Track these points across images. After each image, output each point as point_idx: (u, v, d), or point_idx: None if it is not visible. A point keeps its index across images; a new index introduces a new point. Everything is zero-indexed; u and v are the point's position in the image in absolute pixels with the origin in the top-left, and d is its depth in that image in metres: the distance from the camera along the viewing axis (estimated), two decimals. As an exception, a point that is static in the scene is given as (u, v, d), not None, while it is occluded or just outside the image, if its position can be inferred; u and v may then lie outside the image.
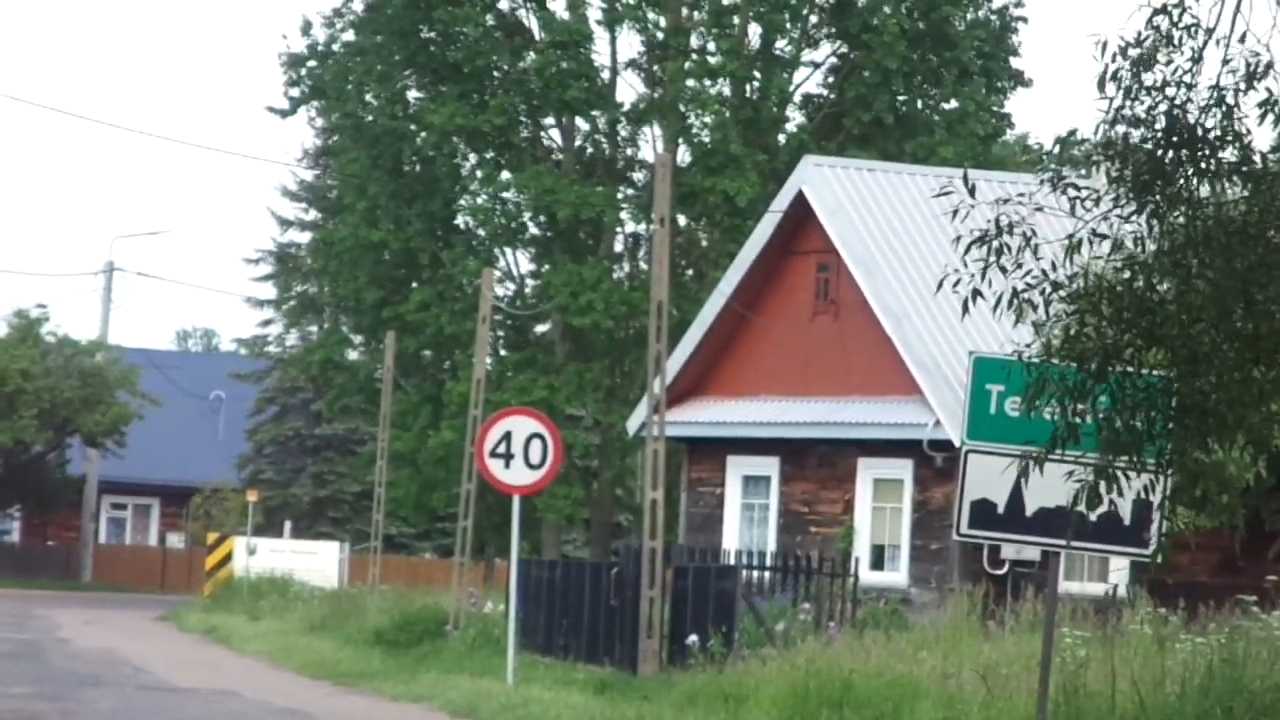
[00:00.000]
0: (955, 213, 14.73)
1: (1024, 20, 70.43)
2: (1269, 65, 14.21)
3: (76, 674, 44.02)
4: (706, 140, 66.47)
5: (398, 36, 68.81)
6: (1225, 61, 14.45)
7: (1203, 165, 14.76)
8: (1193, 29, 14.46)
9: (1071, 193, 14.65)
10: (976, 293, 14.60)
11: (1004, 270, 14.65)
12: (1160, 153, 14.78)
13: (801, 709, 29.33)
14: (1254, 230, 14.60)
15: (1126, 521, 21.20)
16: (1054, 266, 14.79)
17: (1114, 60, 14.43)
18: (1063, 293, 14.87)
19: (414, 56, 69.05)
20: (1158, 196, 14.84)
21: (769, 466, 50.01)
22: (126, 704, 37.34)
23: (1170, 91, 14.71)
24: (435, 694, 38.22)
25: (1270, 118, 14.45)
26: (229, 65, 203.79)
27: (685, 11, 68.81)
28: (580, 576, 47.02)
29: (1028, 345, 15.67)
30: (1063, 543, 23.25)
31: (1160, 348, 15.18)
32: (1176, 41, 14.50)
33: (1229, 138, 14.70)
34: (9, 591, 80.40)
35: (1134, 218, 14.57)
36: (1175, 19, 14.46)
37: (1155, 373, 15.33)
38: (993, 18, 69.69)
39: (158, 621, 66.06)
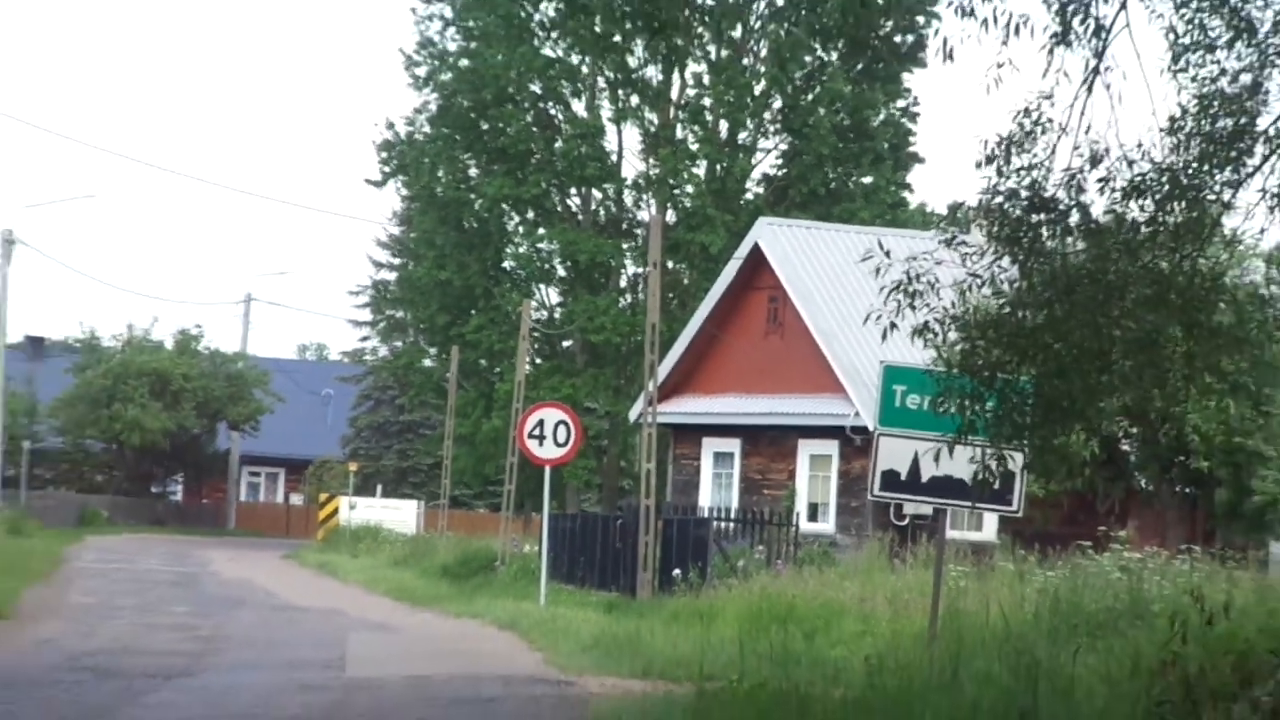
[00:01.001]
0: (878, 270, 14.85)
1: (919, 115, 70.21)
2: (1106, 151, 14.15)
3: (224, 597, 43.77)
4: (688, 205, 66.28)
5: (461, 129, 68.87)
6: (1075, 148, 14.40)
7: (1056, 227, 14.75)
8: (1048, 125, 14.40)
9: (962, 249, 14.67)
10: (893, 324, 14.64)
11: (913, 308, 14.67)
12: (1024, 217, 14.74)
13: (756, 624, 29.17)
14: (1094, 274, 14.55)
15: (997, 486, 21.05)
16: (951, 304, 14.82)
17: (990, 148, 14.43)
18: (957, 324, 14.88)
19: (473, 143, 69.04)
20: (1023, 251, 14.81)
21: (733, 445, 49.95)
22: (262, 619, 37.15)
23: (1032, 171, 14.66)
24: (486, 612, 38.07)
25: (1106, 191, 14.45)
26: (339, 148, 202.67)
27: (672, 111, 68.60)
28: (594, 526, 47.16)
29: (934, 362, 15.83)
30: (949, 501, 23.56)
31: (1029, 363, 15.13)
32: (1036, 135, 14.47)
33: (1075, 206, 14.65)
34: (174, 537, 79.98)
35: (1007, 267, 14.60)
36: (1035, 118, 14.40)
37: (1024, 382, 15.36)
38: (897, 114, 69.50)
39: (283, 559, 65.72)
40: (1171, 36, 14.57)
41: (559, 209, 71.00)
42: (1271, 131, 14.10)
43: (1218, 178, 14.21)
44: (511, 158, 68.20)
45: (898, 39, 67.61)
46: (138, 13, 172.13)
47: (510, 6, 68.18)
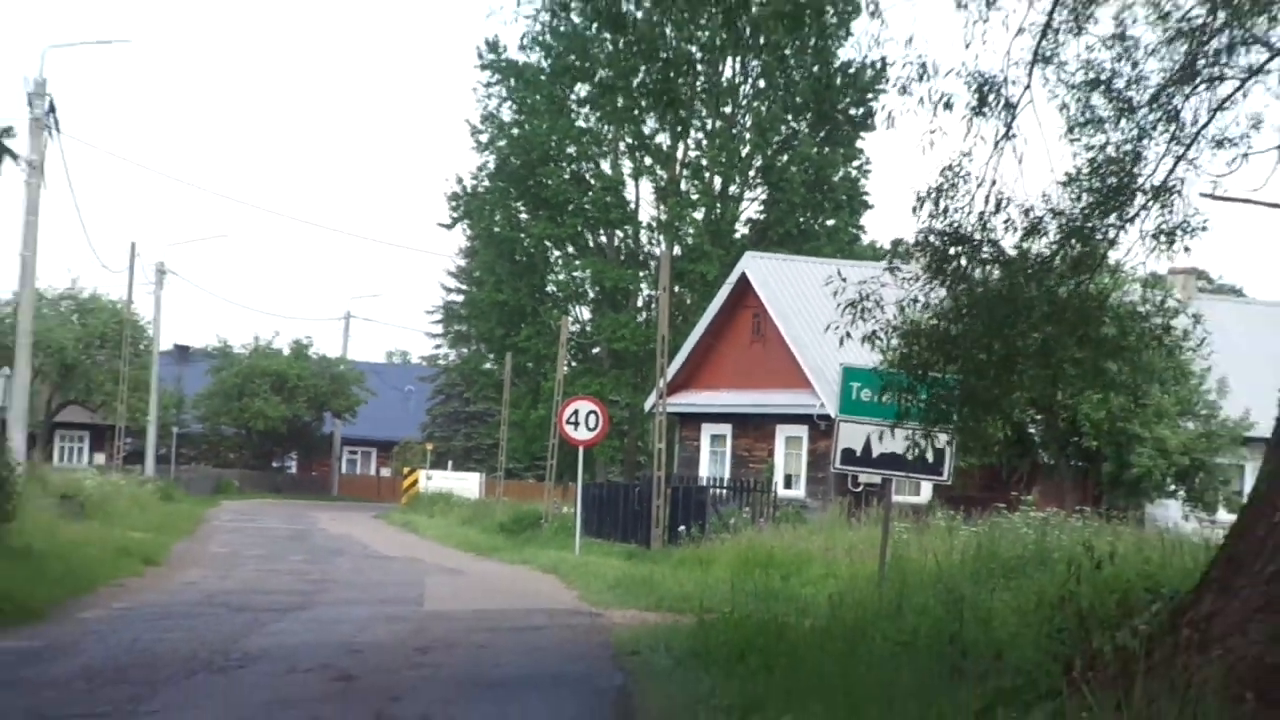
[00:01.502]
0: (836, 292, 14.92)
1: (869, 171, 70.13)
2: (1009, 199, 14.19)
3: (328, 548, 43.85)
4: (690, 242, 66.30)
5: (513, 182, 69.06)
6: (987, 198, 14.44)
7: (974, 258, 14.77)
8: (967, 178, 14.44)
9: (901, 276, 14.73)
10: (847, 334, 14.67)
11: (863, 319, 14.67)
12: (949, 250, 14.75)
13: (743, 568, 29.04)
14: (1005, 296, 14.55)
15: (931, 460, 21.05)
16: (893, 318, 14.83)
17: (922, 196, 14.49)
18: (897, 333, 14.90)
19: (523, 194, 69.19)
20: (949, 277, 14.82)
21: (725, 430, 49.91)
22: (357, 566, 37.20)
23: (955, 214, 14.69)
24: (533, 559, 38.15)
25: (1010, 231, 14.52)
26: (419, 197, 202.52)
27: (677, 168, 68.70)
28: (617, 493, 47.32)
29: (880, 364, 15.81)
30: (894, 472, 23.56)
31: (953, 364, 15.12)
32: (958, 185, 14.49)
33: (986, 242, 14.68)
34: (289, 502, 79.96)
35: (937, 289, 14.63)
36: (957, 173, 14.44)
37: (950, 378, 15.35)
38: (852, 171, 69.52)
39: (375, 519, 65.66)
40: (1066, 112, 14.67)
41: (590, 245, 71.08)
42: (1148, 186, 14.12)
43: (1105, 222, 14.25)
44: (552, 205, 68.42)
45: (853, 111, 67.41)
46: (264, 88, 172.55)
47: (552, 88, 68.50)
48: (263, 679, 16.53)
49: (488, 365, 77.47)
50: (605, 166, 70.56)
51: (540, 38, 68.49)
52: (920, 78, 14.65)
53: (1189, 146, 14.12)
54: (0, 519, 26.14)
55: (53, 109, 37.14)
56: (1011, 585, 19.38)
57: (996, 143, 14.68)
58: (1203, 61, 14.03)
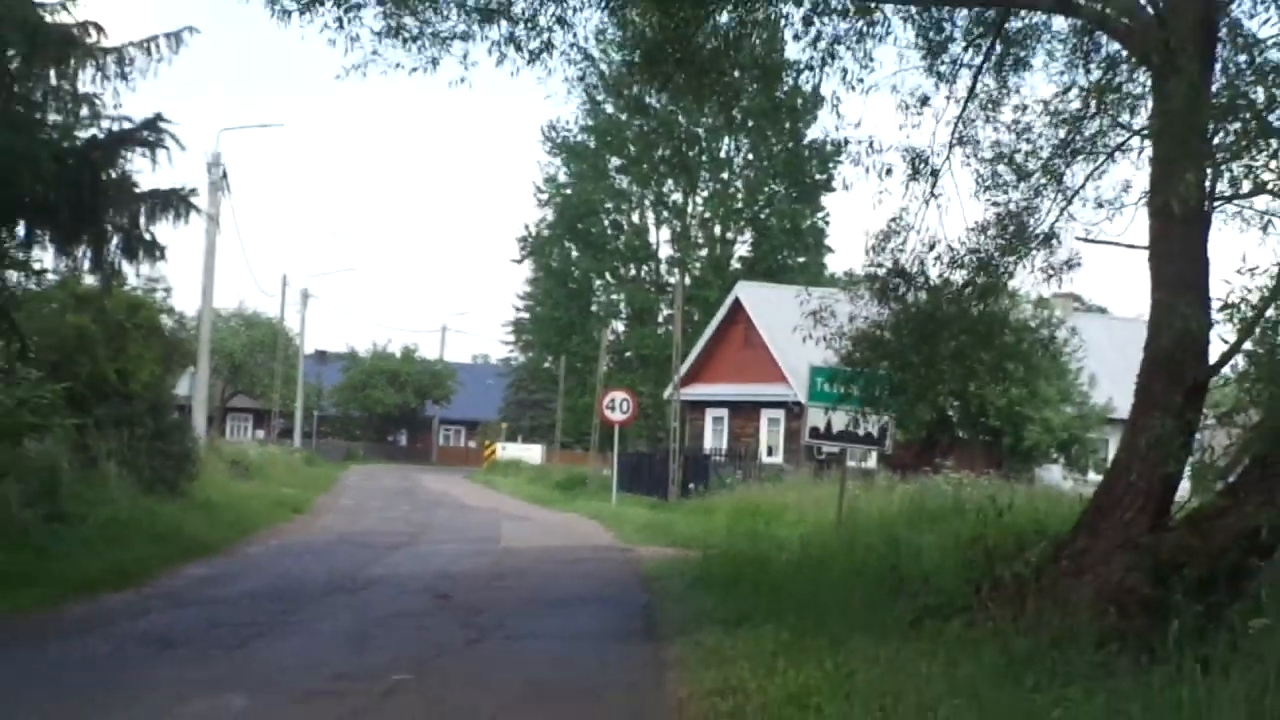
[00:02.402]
0: (801, 303, 14.89)
1: (830, 221, 70.14)
2: (937, 242, 14.26)
3: (429, 501, 43.78)
4: (697, 274, 66.37)
5: (567, 229, 69.39)
6: (920, 241, 14.47)
7: (909, 284, 14.78)
8: (905, 225, 14.50)
9: (851, 294, 14.75)
10: (809, 334, 14.72)
11: (821, 325, 14.69)
12: (889, 279, 14.76)
13: (737, 515, 29.21)
14: (931, 313, 14.59)
15: (875, 435, 21.03)
16: (843, 325, 14.83)
17: (871, 239, 14.54)
18: (846, 338, 14.88)
19: (574, 237, 69.46)
20: (889, 299, 14.84)
21: (723, 413, 49.60)
22: (450, 514, 37.21)
23: (894, 253, 14.73)
24: (580, 509, 38.21)
25: (940, 264, 14.53)
26: (497, 240, 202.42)
27: (688, 219, 68.99)
28: (643, 460, 47.37)
29: (836, 361, 15.83)
30: (848, 444, 23.46)
31: (888, 361, 15.12)
32: (899, 231, 14.53)
33: (921, 273, 14.71)
34: (400, 467, 79.69)
35: (879, 308, 14.59)
36: (897, 221, 14.51)
37: (885, 374, 15.34)
38: (819, 221, 69.35)
39: (464, 479, 65.53)
40: (979, 177, 14.71)
41: (623, 276, 71.30)
42: (1039, 233, 14.14)
43: (1006, 259, 14.28)
44: (595, 246, 68.76)
45: (819, 176, 67.09)
46: (384, 154, 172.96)
47: (596, 160, 68.72)
48: (381, 597, 16.71)
49: (546, 364, 77.81)
50: (634, 217, 70.83)
51: (585, 122, 68.90)
52: (868, 152, 14.75)
53: (1069, 203, 14.17)
54: (187, 479, 26.34)
55: (225, 174, 37.62)
56: (936, 529, 19.39)
57: (926, 200, 14.75)
58: (1080, 140, 14.07)
